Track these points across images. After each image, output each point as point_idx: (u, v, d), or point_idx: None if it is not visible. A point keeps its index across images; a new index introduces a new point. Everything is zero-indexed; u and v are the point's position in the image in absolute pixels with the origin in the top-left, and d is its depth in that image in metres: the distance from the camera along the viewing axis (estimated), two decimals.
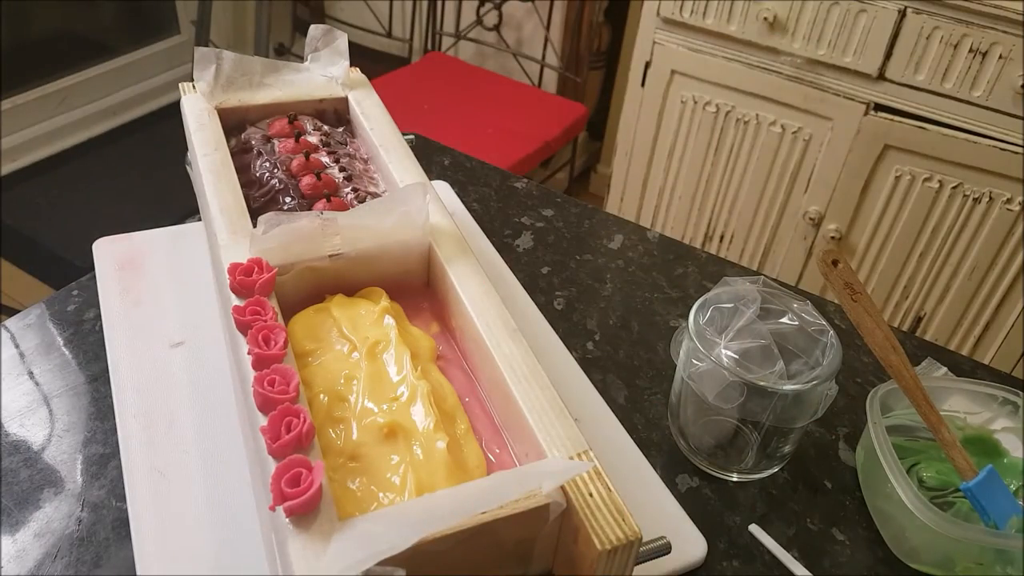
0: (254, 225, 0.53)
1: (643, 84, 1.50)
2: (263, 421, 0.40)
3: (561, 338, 0.66)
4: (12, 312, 1.42)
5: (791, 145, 1.40)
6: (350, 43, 0.69)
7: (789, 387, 0.50)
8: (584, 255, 0.78)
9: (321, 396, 0.46)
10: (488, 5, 2.06)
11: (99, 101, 2.17)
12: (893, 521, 0.53)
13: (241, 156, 0.63)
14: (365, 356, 0.48)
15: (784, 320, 0.56)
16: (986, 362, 0.70)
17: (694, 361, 0.53)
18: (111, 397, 0.58)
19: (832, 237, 1.41)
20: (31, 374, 0.61)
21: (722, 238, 1.56)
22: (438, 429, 0.44)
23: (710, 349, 0.53)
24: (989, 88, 1.19)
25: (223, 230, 0.53)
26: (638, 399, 0.63)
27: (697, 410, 0.57)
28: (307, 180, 0.59)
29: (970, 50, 1.18)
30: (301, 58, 0.70)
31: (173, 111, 0.68)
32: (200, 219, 0.70)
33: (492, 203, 0.84)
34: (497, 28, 2.09)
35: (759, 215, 1.49)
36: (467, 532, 0.38)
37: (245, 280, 0.48)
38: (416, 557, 0.36)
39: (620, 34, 2.05)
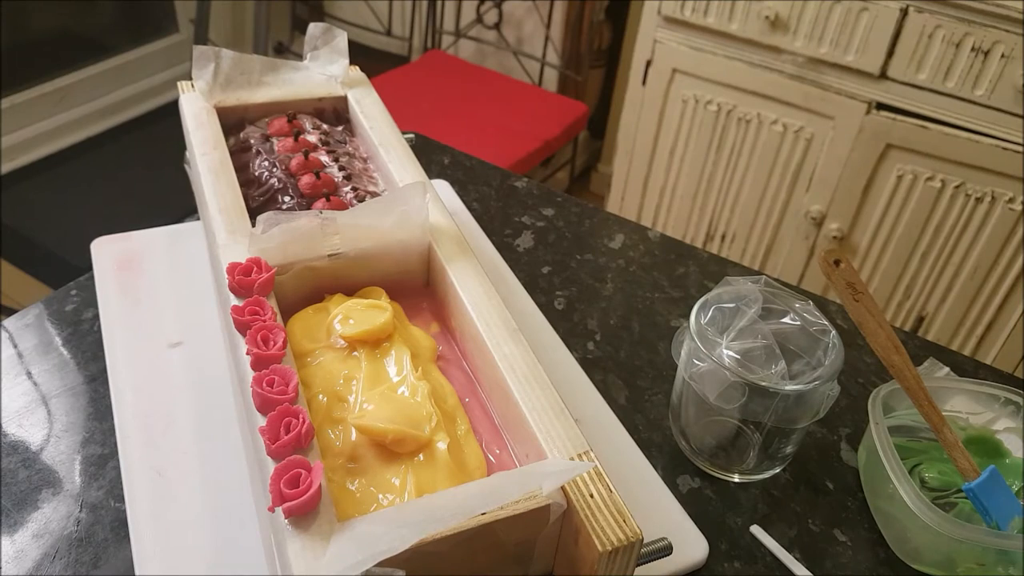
0: (253, 224, 0.53)
1: (644, 83, 1.50)
2: (262, 422, 0.40)
3: (562, 338, 0.66)
4: (10, 312, 1.42)
5: (793, 144, 1.40)
6: (349, 41, 0.69)
7: (791, 387, 0.50)
8: (585, 255, 0.78)
9: (320, 396, 0.45)
10: (488, 3, 2.05)
11: (98, 100, 2.16)
12: (895, 522, 0.53)
13: (240, 155, 0.63)
14: (365, 356, 0.48)
15: (786, 320, 0.55)
16: (988, 362, 0.70)
17: (695, 361, 0.53)
18: (109, 397, 0.57)
19: (834, 236, 1.41)
20: (29, 374, 0.61)
21: (723, 237, 1.56)
22: (438, 430, 0.44)
23: (711, 349, 0.52)
24: (991, 87, 1.18)
25: (222, 229, 0.52)
26: (639, 399, 0.63)
27: (698, 410, 0.57)
28: (306, 179, 0.58)
29: (972, 49, 1.17)
30: (300, 57, 0.70)
31: (172, 110, 0.68)
32: (199, 218, 0.70)
33: (492, 202, 0.84)
34: (497, 26, 2.08)
35: (761, 214, 1.49)
36: (467, 533, 0.38)
37: (244, 280, 0.48)
38: (416, 558, 0.36)
39: (621, 32, 2.05)
